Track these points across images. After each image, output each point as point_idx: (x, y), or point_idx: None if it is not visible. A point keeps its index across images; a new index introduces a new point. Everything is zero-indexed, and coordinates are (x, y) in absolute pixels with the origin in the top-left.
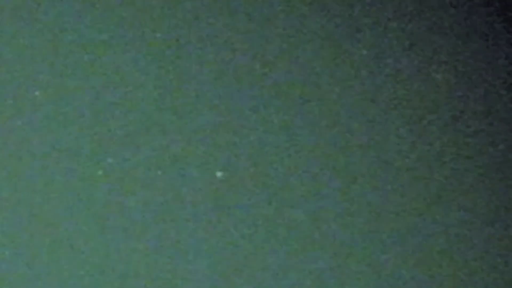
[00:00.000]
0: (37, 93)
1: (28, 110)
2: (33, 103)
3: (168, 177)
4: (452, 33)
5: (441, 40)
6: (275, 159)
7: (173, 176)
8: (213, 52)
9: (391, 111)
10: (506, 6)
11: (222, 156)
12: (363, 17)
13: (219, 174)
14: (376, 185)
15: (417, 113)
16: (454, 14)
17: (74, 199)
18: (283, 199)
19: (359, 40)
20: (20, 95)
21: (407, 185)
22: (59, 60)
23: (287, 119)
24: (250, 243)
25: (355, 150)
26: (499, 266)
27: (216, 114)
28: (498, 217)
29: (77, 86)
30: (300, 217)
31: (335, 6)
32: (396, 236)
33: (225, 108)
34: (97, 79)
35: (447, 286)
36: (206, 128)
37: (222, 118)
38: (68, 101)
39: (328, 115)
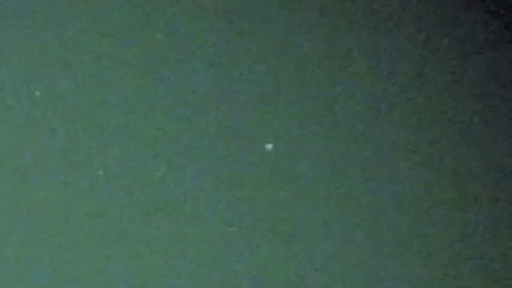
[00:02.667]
0: (37, 93)
1: (28, 110)
2: (33, 103)
3: (168, 177)
4: (451, 33)
5: (441, 40)
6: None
7: (174, 176)
8: (214, 51)
9: (390, 111)
10: (506, 6)
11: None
12: (363, 17)
13: (269, 146)
14: (377, 184)
15: (417, 113)
16: (454, 14)
17: (74, 199)
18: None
19: (359, 40)
20: (20, 95)
21: (407, 185)
22: (59, 60)
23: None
24: (304, 220)
25: (354, 148)
26: (499, 266)
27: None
28: (498, 217)
29: (77, 86)
30: (356, 186)
31: (335, 6)
32: (395, 236)
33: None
34: (97, 79)
35: (447, 286)
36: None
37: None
38: (68, 101)
39: (329, 114)
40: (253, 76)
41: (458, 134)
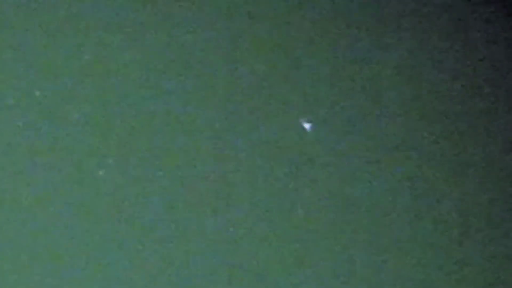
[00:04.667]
0: (37, 93)
1: (28, 110)
2: (33, 103)
3: (169, 177)
4: (451, 33)
5: (441, 39)
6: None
7: (174, 176)
8: (214, 51)
9: (390, 111)
10: (506, 6)
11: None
12: (363, 17)
13: (307, 125)
14: (376, 184)
15: (417, 112)
16: (454, 14)
17: (74, 199)
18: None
19: (359, 40)
20: (20, 95)
21: (406, 185)
22: (59, 60)
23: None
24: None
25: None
26: (499, 266)
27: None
28: (498, 217)
29: (77, 86)
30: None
31: (335, 6)
32: (395, 236)
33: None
34: (97, 79)
35: (447, 286)
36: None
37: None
38: (68, 101)
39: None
40: (209, 100)
41: (458, 134)
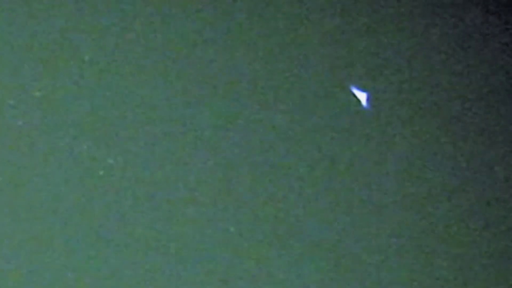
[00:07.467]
0: (37, 93)
1: (28, 110)
2: (33, 103)
3: (169, 177)
4: (451, 33)
5: (440, 39)
6: None
7: (175, 176)
8: (213, 52)
9: (391, 111)
10: (506, 6)
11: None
12: (363, 17)
13: (362, 97)
14: (375, 185)
15: (417, 113)
16: (454, 13)
17: (74, 199)
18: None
19: (359, 40)
20: (20, 95)
21: (406, 185)
22: (59, 60)
23: None
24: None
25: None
26: (499, 266)
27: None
28: (498, 218)
29: (77, 86)
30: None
31: (335, 7)
32: (394, 236)
33: (226, 107)
34: (98, 79)
35: (447, 286)
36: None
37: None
38: (68, 101)
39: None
40: (208, 102)
41: (458, 133)
